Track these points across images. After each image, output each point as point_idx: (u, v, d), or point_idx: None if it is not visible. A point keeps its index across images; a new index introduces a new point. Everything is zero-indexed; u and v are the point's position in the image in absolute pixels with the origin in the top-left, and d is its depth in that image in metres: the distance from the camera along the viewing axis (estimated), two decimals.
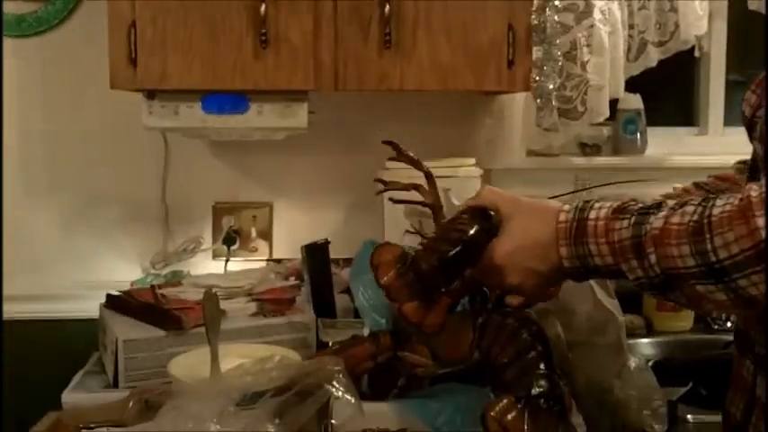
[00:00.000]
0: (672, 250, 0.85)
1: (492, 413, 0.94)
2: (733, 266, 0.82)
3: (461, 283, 1.03)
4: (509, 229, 0.99)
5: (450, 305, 1.03)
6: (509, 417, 0.93)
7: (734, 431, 1.06)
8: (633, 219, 0.90)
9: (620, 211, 0.91)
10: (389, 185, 1.17)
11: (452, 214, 1.07)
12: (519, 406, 0.94)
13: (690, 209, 0.86)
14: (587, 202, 0.96)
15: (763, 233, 0.79)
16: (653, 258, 0.87)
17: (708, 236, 0.83)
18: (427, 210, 1.14)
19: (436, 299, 1.01)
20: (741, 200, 0.82)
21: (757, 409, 1.02)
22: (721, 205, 0.83)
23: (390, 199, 1.18)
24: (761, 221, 0.80)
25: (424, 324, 1.00)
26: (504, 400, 0.95)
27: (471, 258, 1.00)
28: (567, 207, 0.97)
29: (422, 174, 1.15)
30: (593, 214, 0.93)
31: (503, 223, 1.00)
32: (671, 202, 0.89)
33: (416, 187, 1.14)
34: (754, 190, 0.82)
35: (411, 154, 1.19)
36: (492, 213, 1.00)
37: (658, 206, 0.89)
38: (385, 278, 1.01)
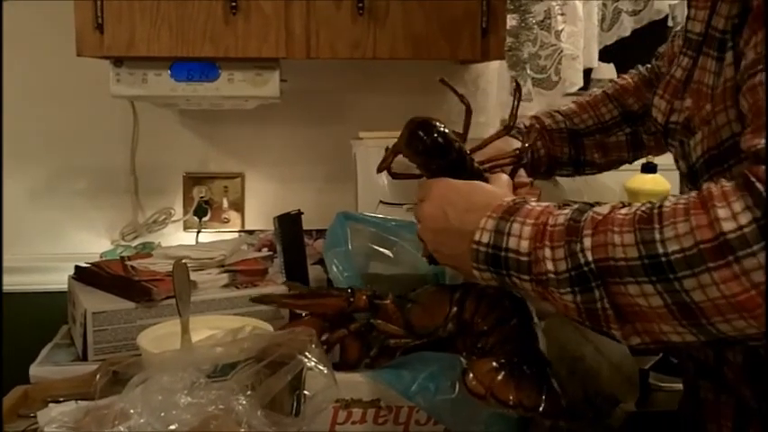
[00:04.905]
0: (614, 237, 0.75)
1: (477, 374, 0.93)
2: (682, 262, 0.71)
3: None
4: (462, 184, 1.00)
5: None
6: (496, 380, 0.92)
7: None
8: (576, 206, 0.83)
9: (565, 205, 0.85)
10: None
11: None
12: (504, 372, 0.93)
13: (638, 204, 0.78)
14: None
15: (724, 225, 0.69)
16: (587, 242, 0.77)
17: (657, 226, 0.73)
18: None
19: None
20: (699, 193, 0.73)
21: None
22: (674, 199, 0.75)
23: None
24: (722, 213, 0.69)
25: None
26: (491, 363, 0.94)
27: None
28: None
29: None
30: (534, 203, 0.88)
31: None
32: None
33: None
34: (715, 186, 0.72)
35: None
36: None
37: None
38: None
